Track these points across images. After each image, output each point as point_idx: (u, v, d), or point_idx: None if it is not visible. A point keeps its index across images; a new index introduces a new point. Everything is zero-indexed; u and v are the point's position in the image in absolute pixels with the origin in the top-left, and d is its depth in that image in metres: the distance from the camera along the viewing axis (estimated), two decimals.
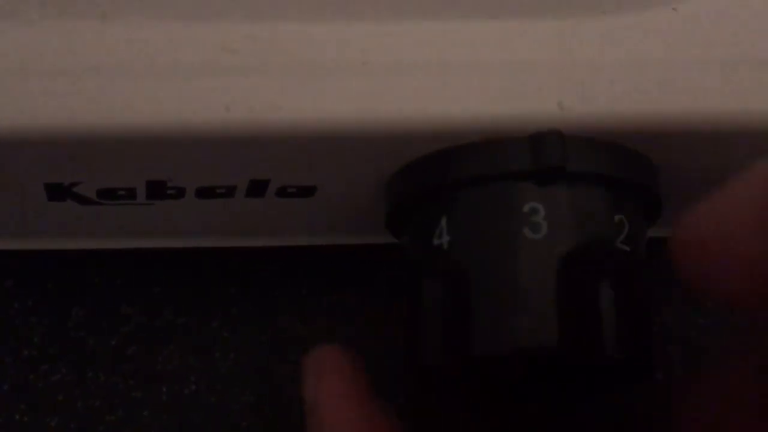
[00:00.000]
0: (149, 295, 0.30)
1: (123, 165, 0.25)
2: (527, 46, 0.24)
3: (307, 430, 0.25)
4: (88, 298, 0.30)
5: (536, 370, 0.24)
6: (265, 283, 0.30)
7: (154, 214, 0.27)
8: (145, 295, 0.30)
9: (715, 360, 0.24)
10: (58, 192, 0.25)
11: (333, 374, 0.25)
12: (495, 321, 0.23)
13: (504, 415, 0.28)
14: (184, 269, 0.30)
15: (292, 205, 0.27)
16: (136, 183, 0.25)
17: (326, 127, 0.24)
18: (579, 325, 0.23)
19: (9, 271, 0.30)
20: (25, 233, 0.28)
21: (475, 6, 0.25)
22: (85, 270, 0.30)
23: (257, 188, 0.26)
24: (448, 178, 0.24)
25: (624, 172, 0.24)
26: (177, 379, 0.29)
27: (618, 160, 0.24)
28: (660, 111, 0.24)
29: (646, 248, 0.25)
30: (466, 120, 0.24)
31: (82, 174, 0.25)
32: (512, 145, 0.23)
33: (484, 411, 0.27)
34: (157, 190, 0.26)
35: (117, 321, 0.30)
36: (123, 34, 0.24)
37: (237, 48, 0.24)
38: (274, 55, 0.24)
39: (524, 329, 0.23)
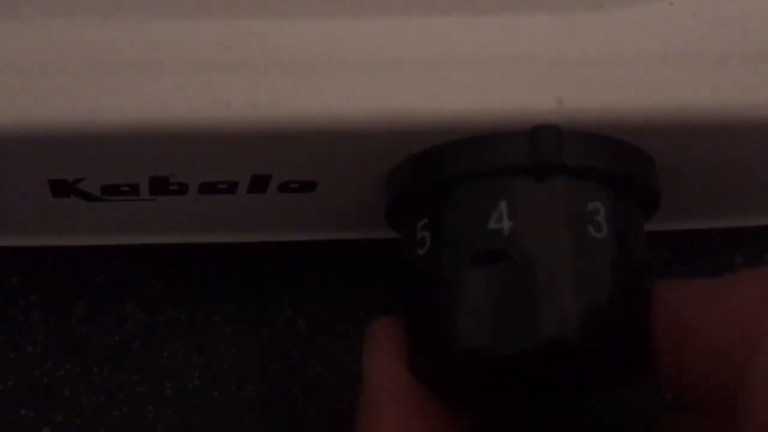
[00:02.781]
0: (152, 292, 0.30)
1: (126, 161, 0.25)
2: (525, 41, 0.25)
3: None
4: (91, 295, 0.30)
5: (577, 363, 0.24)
6: (266, 279, 0.31)
7: (157, 210, 0.27)
8: (148, 292, 0.30)
9: None
10: (62, 188, 0.26)
11: (381, 351, 0.25)
12: (557, 312, 0.23)
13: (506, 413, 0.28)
14: (186, 266, 0.30)
15: (293, 200, 0.27)
16: (139, 179, 0.26)
17: (327, 122, 0.24)
18: (635, 318, 0.24)
19: (14, 267, 0.30)
20: (30, 230, 0.28)
21: (472, 2, 0.25)
22: (89, 267, 0.30)
23: (259, 183, 0.26)
24: (503, 166, 0.24)
25: (632, 169, 0.24)
26: (180, 375, 0.29)
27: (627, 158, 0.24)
28: (657, 105, 0.24)
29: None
30: (465, 115, 0.24)
31: (85, 170, 0.25)
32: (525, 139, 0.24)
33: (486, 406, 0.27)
34: (160, 186, 0.26)
35: (120, 317, 0.30)
36: (124, 31, 0.24)
37: (238, 44, 0.24)
38: (275, 51, 0.24)
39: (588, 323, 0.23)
